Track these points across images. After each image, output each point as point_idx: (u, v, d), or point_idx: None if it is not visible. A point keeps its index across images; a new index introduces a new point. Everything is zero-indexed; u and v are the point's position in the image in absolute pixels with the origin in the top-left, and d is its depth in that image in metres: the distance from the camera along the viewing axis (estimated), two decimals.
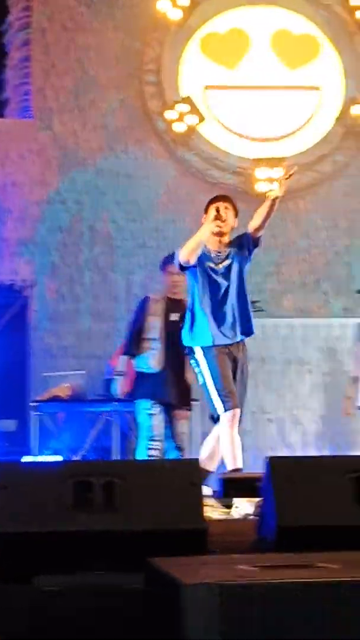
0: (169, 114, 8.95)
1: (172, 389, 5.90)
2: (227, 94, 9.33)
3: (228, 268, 5.01)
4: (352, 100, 9.09)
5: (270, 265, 8.62)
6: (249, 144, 9.20)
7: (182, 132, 8.97)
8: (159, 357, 5.90)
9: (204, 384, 4.89)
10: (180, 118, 8.92)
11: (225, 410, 4.75)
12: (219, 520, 4.06)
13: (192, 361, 5.08)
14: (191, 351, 5.03)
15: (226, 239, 5.04)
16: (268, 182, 8.78)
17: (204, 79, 9.31)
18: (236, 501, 4.48)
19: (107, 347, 8.26)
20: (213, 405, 4.84)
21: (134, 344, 6.06)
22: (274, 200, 4.93)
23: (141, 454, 5.90)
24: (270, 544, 2.98)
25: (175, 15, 9.13)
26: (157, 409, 5.90)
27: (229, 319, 4.92)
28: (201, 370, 4.93)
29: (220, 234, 5.00)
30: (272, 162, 8.83)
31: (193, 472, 3.13)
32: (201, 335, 4.92)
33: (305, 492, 2.99)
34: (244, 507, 4.07)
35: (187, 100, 8.97)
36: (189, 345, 5.04)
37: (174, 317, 6.00)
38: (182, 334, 5.09)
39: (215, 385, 4.82)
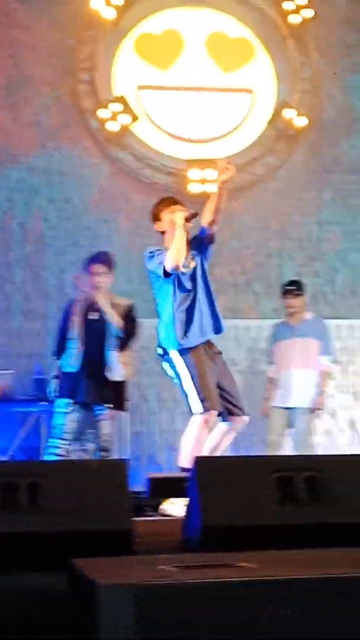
0: (103, 113, 8.92)
1: (90, 388, 5.92)
2: (161, 94, 9.34)
3: (194, 270, 5.03)
4: (284, 104, 9.20)
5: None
6: (183, 144, 9.24)
7: (116, 132, 8.95)
8: (76, 355, 5.94)
9: (181, 384, 4.87)
10: (114, 117, 8.90)
11: (203, 411, 4.71)
12: (146, 521, 4.08)
13: (164, 363, 5.05)
14: (165, 353, 5.01)
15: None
16: (200, 183, 8.84)
17: (138, 79, 9.31)
18: (173, 500, 4.49)
19: (37, 346, 8.21)
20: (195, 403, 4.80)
21: (59, 346, 6.12)
22: (221, 190, 4.96)
23: (48, 454, 5.90)
24: (196, 544, 3.00)
25: (109, 14, 9.10)
26: (71, 408, 5.91)
27: (199, 319, 4.94)
28: (177, 372, 4.90)
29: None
30: (205, 163, 8.88)
31: (119, 473, 3.13)
32: (176, 337, 4.90)
33: (230, 491, 3.01)
34: (180, 507, 4.10)
35: (121, 99, 8.95)
36: (164, 347, 5.02)
37: (93, 315, 6.03)
38: (159, 337, 5.06)
39: (194, 384, 4.78)
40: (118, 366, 6.07)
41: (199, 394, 4.72)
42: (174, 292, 4.97)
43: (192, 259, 5.05)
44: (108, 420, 6.07)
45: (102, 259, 6.35)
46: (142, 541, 3.20)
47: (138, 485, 6.04)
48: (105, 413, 6.03)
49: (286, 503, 3.06)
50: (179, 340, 4.84)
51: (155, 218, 5.11)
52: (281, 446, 6.74)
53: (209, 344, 4.99)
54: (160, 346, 5.02)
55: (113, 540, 2.89)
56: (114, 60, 9.29)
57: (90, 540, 2.87)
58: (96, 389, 5.95)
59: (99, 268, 6.20)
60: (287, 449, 6.82)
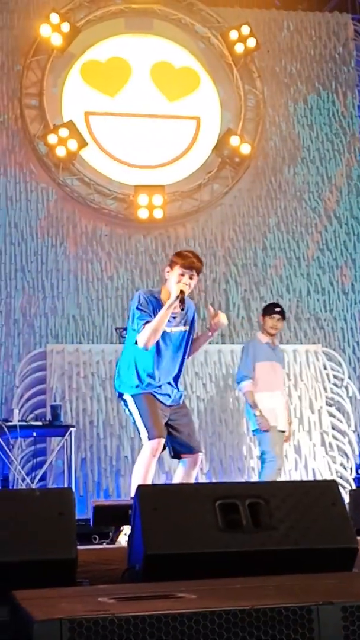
0: (51, 138, 8.93)
1: None
2: (110, 120, 9.40)
3: (180, 335, 4.94)
4: (229, 131, 9.32)
5: None
6: (131, 170, 9.29)
7: (63, 157, 8.97)
8: None
9: (134, 421, 4.93)
10: (62, 142, 8.92)
11: (150, 439, 4.76)
12: (92, 549, 4.07)
13: (122, 402, 5.10)
14: (120, 394, 5.06)
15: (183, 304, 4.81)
16: (148, 209, 8.89)
17: (87, 105, 9.37)
18: (126, 529, 4.48)
19: None
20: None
21: None
22: (211, 333, 4.95)
23: None
24: (139, 573, 3.00)
25: (56, 40, 9.15)
26: None
27: (165, 382, 4.93)
28: (130, 410, 4.96)
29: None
30: (153, 189, 8.94)
31: (62, 502, 3.11)
32: (131, 383, 4.93)
33: (172, 519, 3.01)
34: None
35: (69, 124, 8.97)
36: (119, 391, 5.06)
37: None
38: (115, 375, 5.08)
39: (141, 416, 4.84)
40: None
41: (145, 423, 4.78)
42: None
43: (180, 323, 4.90)
44: None
45: None
46: (86, 570, 3.19)
47: (84, 513, 6.03)
48: None
49: (229, 530, 3.07)
50: (134, 386, 4.89)
51: (169, 264, 4.93)
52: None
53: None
54: (115, 386, 5.09)
55: (57, 570, 2.87)
56: (63, 86, 9.34)
57: (34, 570, 2.85)
58: None
59: None
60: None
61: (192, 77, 9.67)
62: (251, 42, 9.52)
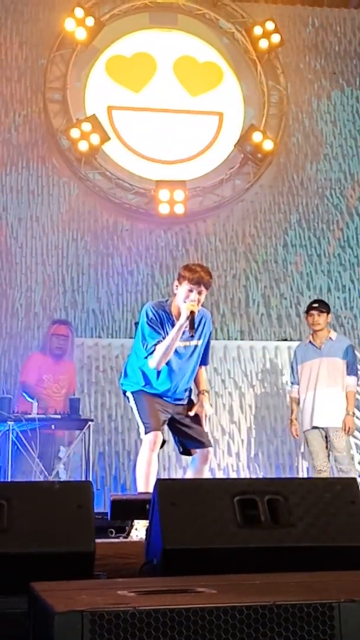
0: (73, 132, 8.95)
1: None
2: (132, 115, 9.40)
3: (191, 349, 4.96)
4: (251, 127, 9.29)
5: (169, 287, 8.72)
6: (152, 165, 9.29)
7: (86, 151, 8.98)
8: None
9: (134, 415, 5.00)
10: (85, 136, 8.93)
11: (146, 433, 4.80)
12: (109, 543, 4.07)
13: (127, 399, 5.18)
14: (124, 391, 5.14)
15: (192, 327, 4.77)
16: (169, 205, 8.89)
17: (109, 99, 9.37)
18: (137, 524, 4.50)
19: (4, 365, 8.17)
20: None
21: None
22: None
23: None
24: (157, 567, 3.00)
25: (80, 34, 9.15)
26: None
27: (171, 391, 4.97)
28: (130, 405, 5.09)
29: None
30: (174, 184, 8.94)
31: (82, 495, 3.12)
32: (135, 382, 4.98)
33: (191, 514, 3.01)
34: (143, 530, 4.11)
35: (92, 119, 8.98)
36: (123, 389, 5.15)
37: None
38: (122, 373, 5.16)
39: (138, 412, 4.91)
40: None
41: (142, 418, 4.84)
42: None
43: (192, 337, 4.85)
44: None
45: None
46: (104, 563, 3.20)
47: (101, 507, 6.03)
48: None
49: (248, 526, 3.06)
50: (136, 384, 4.94)
51: (178, 279, 4.88)
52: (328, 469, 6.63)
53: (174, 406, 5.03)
54: (120, 384, 5.18)
55: (75, 562, 2.88)
56: (86, 80, 9.34)
57: (52, 562, 2.86)
58: None
59: None
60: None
61: (215, 72, 9.64)
62: (275, 38, 9.48)
